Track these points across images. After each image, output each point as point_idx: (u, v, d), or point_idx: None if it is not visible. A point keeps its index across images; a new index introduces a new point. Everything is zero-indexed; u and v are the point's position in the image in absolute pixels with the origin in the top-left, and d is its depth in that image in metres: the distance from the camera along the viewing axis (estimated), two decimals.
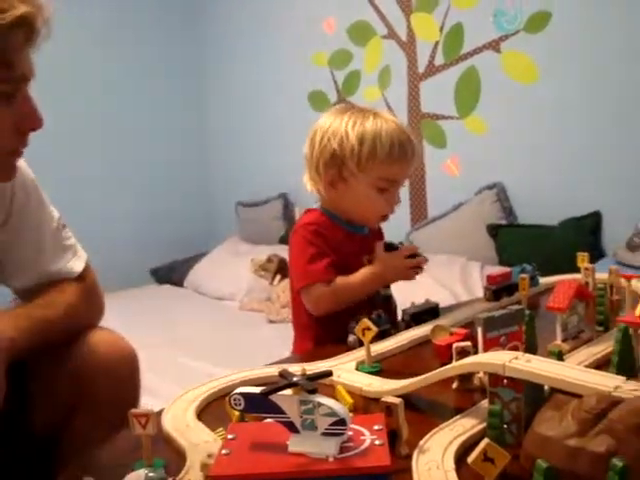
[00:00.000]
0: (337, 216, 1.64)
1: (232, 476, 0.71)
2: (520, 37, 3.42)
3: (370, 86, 4.08)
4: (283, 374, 0.75)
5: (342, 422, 0.71)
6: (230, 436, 0.78)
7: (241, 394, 0.76)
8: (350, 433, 0.74)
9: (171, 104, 5.06)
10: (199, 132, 5.19)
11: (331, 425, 0.71)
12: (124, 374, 1.31)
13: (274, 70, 4.60)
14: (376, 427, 0.76)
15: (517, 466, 0.83)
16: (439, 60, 3.76)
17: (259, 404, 0.75)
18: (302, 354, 1.60)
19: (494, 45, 3.51)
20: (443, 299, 2.62)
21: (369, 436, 0.74)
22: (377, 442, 0.73)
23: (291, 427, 0.74)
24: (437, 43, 3.75)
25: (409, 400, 1.06)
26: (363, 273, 1.57)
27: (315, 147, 1.58)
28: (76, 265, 1.38)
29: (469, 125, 3.64)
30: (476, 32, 3.57)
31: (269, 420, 0.77)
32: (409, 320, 1.45)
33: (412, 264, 1.62)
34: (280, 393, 0.74)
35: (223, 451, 0.75)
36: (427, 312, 1.49)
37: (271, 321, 3.53)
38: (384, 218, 1.67)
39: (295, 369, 1.20)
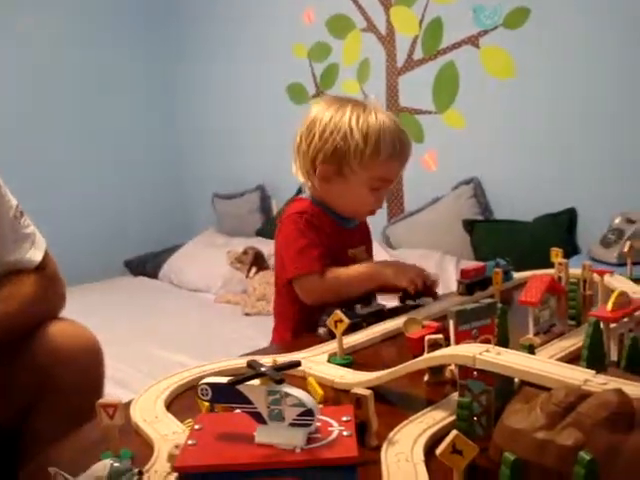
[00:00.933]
0: (328, 207, 1.61)
1: (197, 467, 0.70)
2: (499, 33, 3.42)
3: (349, 79, 4.07)
4: (251, 364, 0.74)
5: (310, 413, 0.70)
6: (197, 427, 0.77)
7: (208, 384, 0.75)
8: (318, 424, 0.73)
9: (148, 94, 5.02)
10: (176, 122, 5.15)
11: (299, 416, 0.71)
12: (87, 364, 1.29)
13: (252, 61, 4.57)
14: (344, 418, 0.75)
15: (486, 458, 0.83)
16: (418, 54, 3.76)
17: (226, 394, 0.74)
18: (276, 345, 1.58)
19: (473, 40, 3.52)
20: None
21: (337, 427, 0.73)
22: (345, 433, 0.72)
23: (258, 418, 0.73)
24: (416, 37, 3.75)
25: (380, 392, 1.05)
26: (363, 267, 1.57)
27: (314, 140, 1.53)
28: (35, 255, 1.36)
29: (447, 120, 3.65)
30: (455, 27, 3.57)
31: (238, 411, 0.77)
32: (360, 322, 1.43)
33: (418, 273, 1.58)
34: (248, 383, 0.73)
35: (189, 442, 0.74)
36: (373, 314, 1.47)
37: (247, 314, 3.52)
38: (371, 212, 1.66)
39: (266, 360, 1.20)
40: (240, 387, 0.73)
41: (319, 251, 1.53)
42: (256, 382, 0.74)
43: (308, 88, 4.30)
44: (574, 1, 3.18)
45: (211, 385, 0.74)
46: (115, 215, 4.85)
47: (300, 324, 1.57)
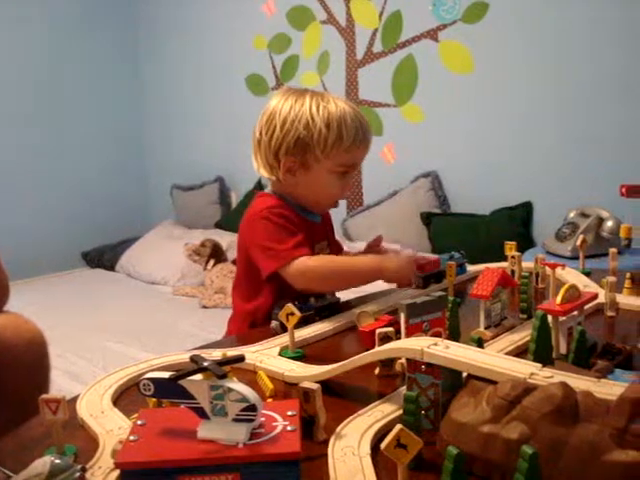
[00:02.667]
0: (292, 202, 1.58)
1: (137, 463, 0.69)
2: (457, 27, 3.44)
3: (308, 71, 4.06)
4: (194, 359, 0.73)
5: (253, 408, 0.69)
6: (139, 422, 0.76)
7: (150, 379, 0.73)
8: (262, 419, 0.72)
9: (106, 85, 4.94)
10: (135, 114, 5.09)
11: (242, 411, 0.70)
12: (31, 359, 1.26)
13: (212, 52, 4.54)
14: (289, 413, 0.74)
15: (434, 452, 0.83)
16: (377, 47, 3.76)
17: (168, 390, 0.72)
18: (228, 339, 1.57)
19: (432, 34, 3.53)
20: (376, 286, 2.63)
21: (281, 422, 0.72)
22: (289, 428, 0.71)
23: (201, 413, 0.71)
24: (376, 30, 3.75)
25: (331, 386, 1.05)
26: (368, 259, 1.56)
27: (275, 132, 1.50)
28: None
29: (406, 113, 3.66)
30: (414, 21, 3.58)
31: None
32: (313, 315, 1.43)
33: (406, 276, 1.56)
34: (190, 378, 0.71)
35: (130, 437, 0.73)
36: (327, 307, 1.47)
37: (204, 306, 3.49)
38: (335, 204, 1.64)
39: (217, 354, 1.18)
40: (182, 382, 0.71)
41: (302, 236, 1.51)
42: (199, 377, 0.73)
43: (268, 79, 4.28)
44: None
45: (153, 380, 0.73)
46: (72, 206, 4.78)
47: (260, 320, 1.55)
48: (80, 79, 4.78)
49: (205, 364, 0.71)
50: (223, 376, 0.69)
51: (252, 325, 1.56)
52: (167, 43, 4.84)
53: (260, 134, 1.55)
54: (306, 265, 1.46)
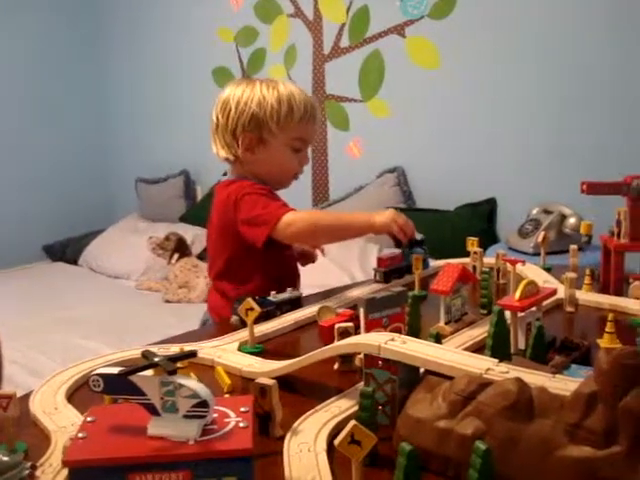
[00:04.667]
0: (256, 182, 1.64)
1: (86, 461, 0.67)
2: (424, 23, 3.45)
3: (275, 65, 4.04)
4: (145, 354, 0.72)
5: (204, 404, 0.68)
6: (89, 419, 0.74)
7: (99, 375, 0.71)
8: (215, 415, 0.71)
9: (70, 76, 4.88)
10: (99, 105, 5.03)
11: (193, 407, 0.68)
12: None
13: (178, 44, 4.49)
14: (242, 409, 0.73)
15: (391, 447, 0.82)
16: (344, 42, 3.75)
17: (118, 386, 0.71)
18: (188, 333, 1.55)
19: (399, 30, 3.53)
20: (341, 281, 2.63)
21: (234, 418, 0.71)
22: (241, 424, 0.70)
23: (152, 409, 0.70)
24: (343, 25, 3.74)
25: (290, 381, 1.04)
26: (351, 213, 1.68)
27: (231, 113, 1.61)
28: None
29: (372, 108, 3.66)
30: (382, 16, 3.58)
31: None
32: (274, 310, 1.42)
33: (403, 222, 1.61)
34: (141, 374, 0.70)
35: (79, 435, 0.71)
36: (289, 302, 1.46)
37: (167, 301, 3.46)
38: (295, 177, 1.72)
39: (174, 349, 1.17)
40: (132, 378, 0.70)
41: (283, 200, 1.62)
42: (150, 373, 0.72)
43: (235, 72, 4.25)
44: None
45: (102, 376, 0.71)
46: (34, 198, 4.70)
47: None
48: (40, 74, 4.70)
49: (155, 359, 0.69)
50: (173, 372, 0.67)
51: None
52: (130, 35, 4.78)
53: (217, 118, 1.65)
54: (295, 216, 1.53)
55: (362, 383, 0.94)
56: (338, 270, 3.13)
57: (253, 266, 1.63)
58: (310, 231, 1.56)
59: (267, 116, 1.59)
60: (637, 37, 2.91)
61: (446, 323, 1.26)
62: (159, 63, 4.63)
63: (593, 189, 1.60)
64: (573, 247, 1.70)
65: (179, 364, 0.99)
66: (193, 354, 0.75)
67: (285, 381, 1.03)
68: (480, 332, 1.21)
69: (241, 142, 1.61)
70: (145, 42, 4.70)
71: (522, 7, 3.16)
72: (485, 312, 1.37)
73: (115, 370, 0.71)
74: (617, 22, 2.96)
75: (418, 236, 1.68)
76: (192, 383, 0.68)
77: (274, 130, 1.60)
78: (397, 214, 1.61)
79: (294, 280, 1.72)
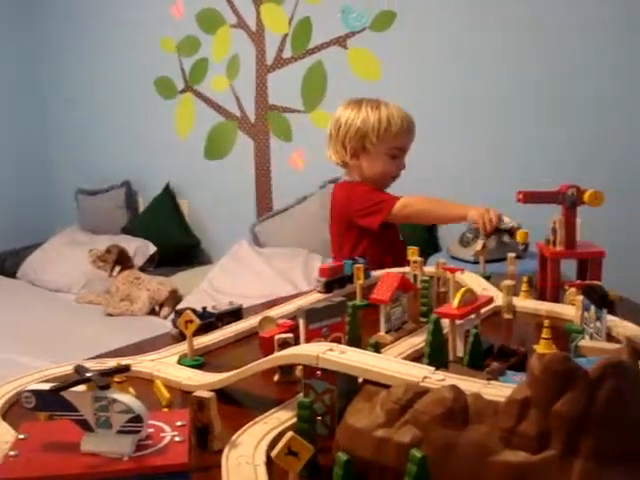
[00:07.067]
0: (361, 183, 2.12)
1: (16, 479, 0.65)
2: (366, 35, 3.48)
3: (218, 75, 4.03)
4: (77, 369, 0.70)
5: (138, 419, 0.67)
6: (21, 436, 0.72)
7: (31, 391, 0.69)
8: (150, 430, 0.70)
9: (10, 86, 4.77)
10: (39, 116, 4.93)
11: (127, 422, 0.67)
12: None
13: (119, 53, 4.44)
14: (178, 423, 0.72)
15: (330, 458, 0.82)
16: (287, 53, 3.76)
17: (51, 402, 0.69)
18: (127, 347, 1.52)
19: (341, 41, 3.56)
20: (285, 291, 2.63)
21: (170, 433, 0.70)
22: (177, 439, 0.69)
23: (85, 425, 0.68)
24: (286, 36, 3.75)
25: (229, 394, 1.03)
26: (451, 204, 2.05)
27: (341, 127, 2.09)
28: None
29: (315, 119, 3.67)
30: (324, 27, 3.61)
31: None
32: (214, 321, 1.41)
33: (490, 216, 1.85)
34: (73, 390, 0.68)
35: (11, 453, 0.69)
36: (230, 314, 1.45)
37: (109, 314, 3.40)
38: (394, 179, 2.16)
39: (111, 364, 1.14)
40: (65, 394, 0.68)
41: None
42: (83, 388, 0.70)
43: (177, 82, 4.22)
44: (439, 6, 3.28)
45: (34, 392, 0.69)
46: None
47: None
48: None
49: (88, 374, 0.68)
50: (106, 387, 0.66)
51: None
52: (69, 44, 4.70)
53: (330, 131, 2.14)
54: (409, 200, 2.03)
55: (301, 394, 0.93)
56: (281, 280, 3.12)
57: (370, 246, 2.06)
58: (419, 213, 2.04)
59: (369, 130, 2.04)
60: (562, 40, 3.00)
61: (386, 332, 1.27)
62: (101, 72, 4.56)
63: (529, 198, 1.63)
64: (511, 255, 1.73)
65: (117, 379, 0.97)
66: (126, 369, 0.74)
67: (225, 394, 1.02)
68: (420, 340, 1.22)
69: (348, 150, 2.09)
70: (85, 51, 4.63)
71: (461, 19, 3.22)
72: (425, 320, 1.38)
73: (47, 386, 0.69)
74: (542, 28, 3.05)
75: (507, 224, 1.86)
76: (126, 398, 0.67)
77: (374, 141, 2.05)
78: (487, 210, 1.88)
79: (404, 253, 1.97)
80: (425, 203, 2.05)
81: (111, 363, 1.14)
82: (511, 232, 1.80)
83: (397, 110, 2.07)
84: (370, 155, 2.08)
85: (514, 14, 3.11)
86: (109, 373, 0.70)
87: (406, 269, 1.72)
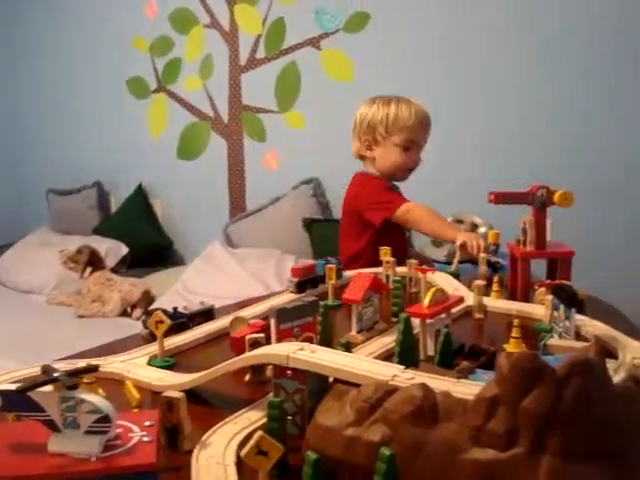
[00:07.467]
0: (379, 175, 2.21)
1: None
2: (340, 36, 3.49)
3: (191, 75, 4.01)
4: (44, 369, 0.69)
5: (106, 419, 0.66)
6: None
7: None
8: (118, 430, 0.69)
9: None
10: (9, 115, 4.86)
11: (94, 423, 0.66)
12: None
13: (92, 53, 4.40)
14: (147, 423, 0.71)
15: (301, 457, 0.82)
16: (261, 53, 3.75)
17: (17, 402, 0.68)
18: (97, 348, 1.51)
19: (314, 42, 3.56)
20: (257, 292, 2.62)
21: (138, 433, 0.70)
22: (145, 439, 0.68)
23: (52, 426, 0.68)
24: (259, 36, 3.75)
25: (200, 394, 1.03)
26: (448, 222, 2.17)
27: (357, 123, 2.23)
28: None
29: (288, 120, 3.67)
30: (298, 28, 3.61)
31: None
32: (186, 322, 1.40)
33: (477, 244, 1.85)
34: (40, 390, 0.68)
35: None
36: (202, 314, 1.45)
37: (80, 316, 3.37)
38: (410, 171, 2.24)
39: (81, 365, 1.13)
40: (32, 394, 0.67)
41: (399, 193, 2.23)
42: (50, 388, 0.69)
43: (150, 82, 4.19)
44: (412, 7, 3.29)
45: (0, 393, 0.68)
46: None
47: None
48: None
49: (55, 375, 0.67)
50: (73, 387, 0.65)
51: (353, 262, 2.10)
52: (40, 42, 4.65)
53: (354, 125, 2.26)
54: (413, 207, 2.09)
55: (272, 394, 0.93)
56: (254, 281, 3.12)
57: (373, 241, 2.10)
58: (417, 222, 2.08)
59: (377, 123, 2.17)
60: (534, 39, 3.03)
61: (358, 332, 1.27)
62: (73, 72, 4.52)
63: (500, 199, 1.65)
64: (482, 255, 1.75)
65: (86, 380, 0.96)
66: (93, 369, 0.73)
67: (196, 394, 1.02)
68: (391, 340, 1.22)
69: (363, 142, 2.22)
70: (58, 50, 4.58)
71: (433, 22, 3.24)
72: (397, 320, 1.37)
73: (14, 386, 0.68)
74: (521, 27, 3.07)
75: (493, 258, 1.82)
76: (93, 398, 0.67)
77: (383, 133, 2.17)
78: (476, 236, 1.94)
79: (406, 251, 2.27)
80: (425, 215, 2.07)
81: (81, 364, 1.13)
82: (495, 266, 1.81)
83: (410, 104, 2.18)
84: (382, 147, 2.19)
85: (491, 14, 3.14)
86: (76, 373, 0.69)
87: (379, 269, 1.72)
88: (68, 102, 4.58)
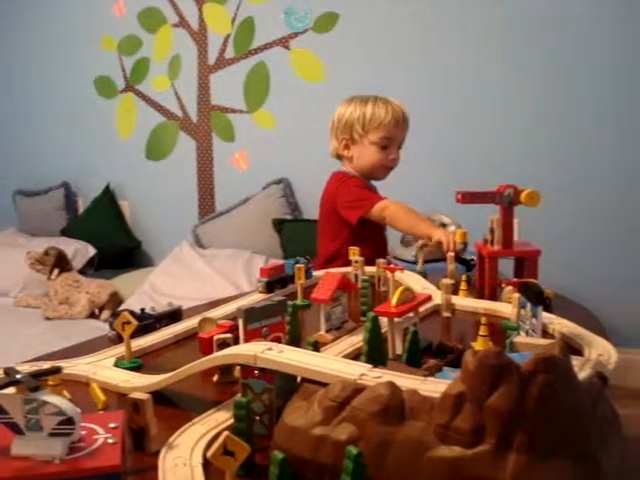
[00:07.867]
0: (357, 174, 2.21)
1: None
2: (309, 36, 3.49)
3: (160, 75, 3.98)
4: (7, 371, 0.68)
5: (70, 421, 0.66)
6: None
7: None
8: (83, 432, 0.69)
9: None
10: None
11: (58, 425, 0.66)
12: None
13: (58, 51, 4.34)
14: (112, 425, 0.71)
15: (269, 457, 0.82)
16: (229, 53, 3.74)
17: None
18: (64, 350, 1.49)
19: (284, 42, 3.56)
20: (227, 293, 2.61)
21: (103, 434, 0.69)
22: (110, 441, 0.68)
23: (15, 428, 0.67)
24: (228, 36, 3.73)
25: (168, 395, 1.02)
26: (424, 219, 2.08)
27: (334, 122, 2.24)
28: None
29: (257, 120, 3.67)
30: (267, 28, 3.60)
31: None
32: (153, 323, 1.39)
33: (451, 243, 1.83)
34: (3, 392, 0.67)
35: None
36: (170, 315, 1.43)
37: (48, 318, 3.32)
38: (388, 170, 2.24)
39: (46, 367, 1.12)
40: None
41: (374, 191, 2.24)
42: (13, 390, 0.68)
43: (117, 82, 4.15)
44: (381, 7, 3.30)
45: None
46: None
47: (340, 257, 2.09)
48: None
49: (17, 376, 0.66)
50: (36, 389, 0.64)
51: (331, 261, 2.15)
52: (7, 40, 4.58)
53: (329, 127, 2.27)
54: (390, 203, 2.09)
55: (240, 395, 0.93)
56: (223, 281, 3.10)
57: (350, 239, 2.09)
58: (393, 219, 2.05)
59: (354, 122, 2.17)
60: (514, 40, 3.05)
61: (327, 331, 1.27)
62: (39, 70, 4.46)
63: (467, 198, 1.66)
64: (450, 254, 1.76)
65: (51, 382, 0.95)
66: (57, 370, 0.72)
67: (163, 395, 1.01)
68: (359, 339, 1.22)
69: (340, 142, 2.22)
70: (23, 48, 4.52)
71: (402, 22, 3.25)
72: (365, 319, 1.38)
73: None
74: (482, 25, 3.10)
75: (468, 256, 1.86)
76: (57, 400, 0.66)
77: (360, 132, 2.16)
78: (452, 233, 1.89)
79: (385, 249, 2.35)
80: (401, 212, 2.06)
81: (46, 366, 1.12)
82: (469, 264, 1.82)
83: (387, 103, 2.19)
84: (359, 146, 2.19)
85: (460, 12, 3.16)
86: (39, 375, 0.68)
87: (348, 269, 1.73)
88: (34, 102, 4.51)
